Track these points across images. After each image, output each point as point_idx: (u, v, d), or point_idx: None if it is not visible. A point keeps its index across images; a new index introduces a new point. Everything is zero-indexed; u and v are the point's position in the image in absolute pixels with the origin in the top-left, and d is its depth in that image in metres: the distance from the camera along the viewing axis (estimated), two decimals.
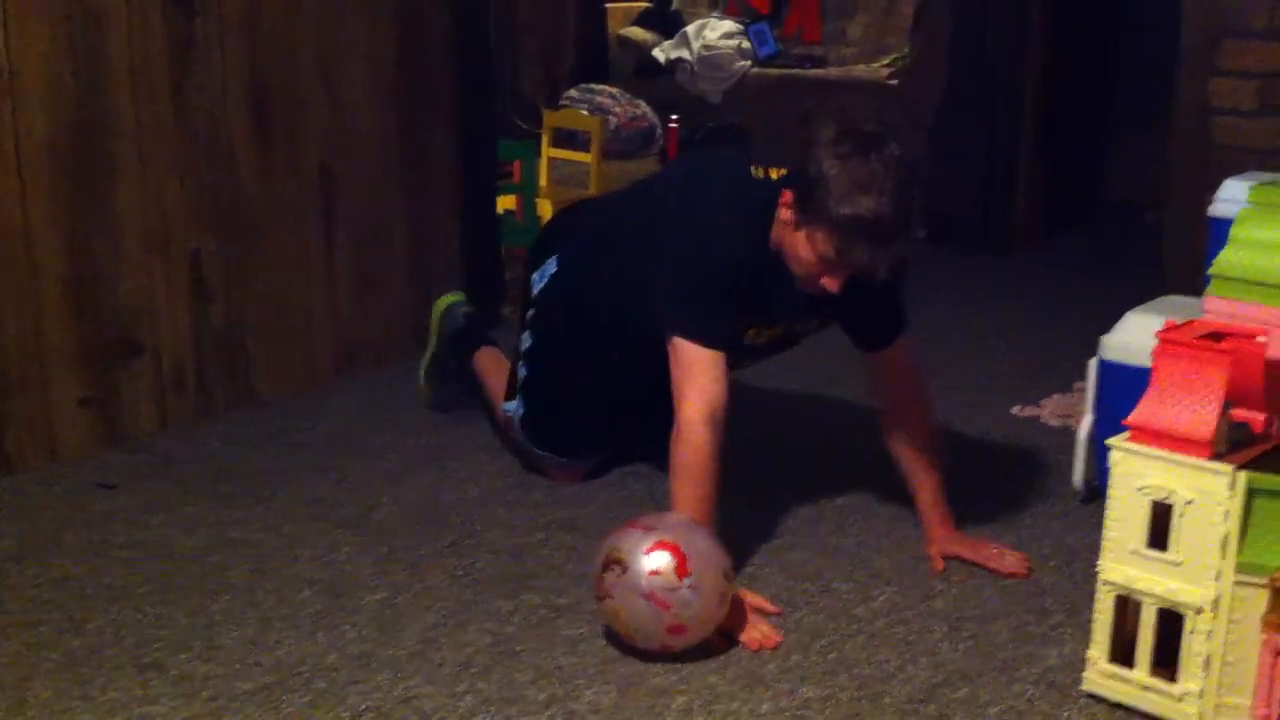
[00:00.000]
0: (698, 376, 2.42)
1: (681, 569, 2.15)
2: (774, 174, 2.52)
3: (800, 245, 2.34)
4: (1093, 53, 5.78)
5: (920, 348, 2.65)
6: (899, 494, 2.79)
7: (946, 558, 2.57)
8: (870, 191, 2.21)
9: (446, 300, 3.41)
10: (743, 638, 2.26)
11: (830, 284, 2.36)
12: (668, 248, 2.52)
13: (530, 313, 2.96)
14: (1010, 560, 2.54)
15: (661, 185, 2.75)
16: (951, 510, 2.64)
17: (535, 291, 2.94)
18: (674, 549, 2.16)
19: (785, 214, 2.36)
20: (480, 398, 3.22)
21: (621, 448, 3.02)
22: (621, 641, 2.23)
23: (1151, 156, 5.25)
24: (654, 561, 2.15)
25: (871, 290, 2.40)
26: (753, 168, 2.54)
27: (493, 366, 3.19)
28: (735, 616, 2.27)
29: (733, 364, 2.69)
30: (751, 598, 2.36)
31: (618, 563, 2.17)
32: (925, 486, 2.64)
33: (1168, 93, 4.03)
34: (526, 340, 2.96)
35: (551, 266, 2.90)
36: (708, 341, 2.43)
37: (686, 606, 2.15)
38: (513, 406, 2.97)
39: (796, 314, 2.61)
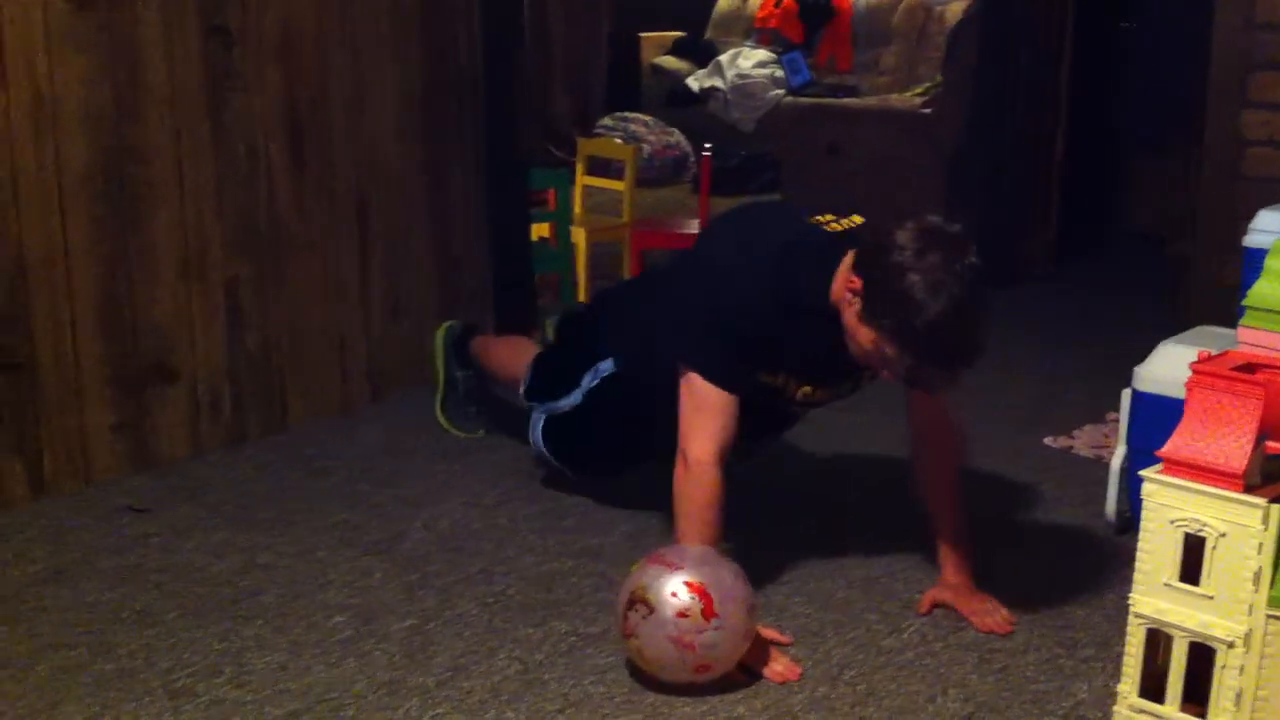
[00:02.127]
0: (711, 416, 2.39)
1: (708, 611, 2.13)
2: (837, 222, 2.47)
3: (862, 335, 2.28)
4: (1112, 82, 5.78)
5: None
6: (927, 525, 2.79)
7: (936, 604, 2.51)
8: (949, 322, 2.15)
9: (439, 334, 3.48)
10: (765, 672, 2.25)
11: (888, 376, 2.33)
12: (701, 281, 2.49)
13: (574, 399, 2.91)
14: (992, 619, 2.44)
15: (708, 239, 2.67)
16: (969, 554, 2.55)
17: (584, 387, 2.87)
18: (701, 591, 2.14)
19: (851, 298, 2.28)
20: (489, 379, 3.34)
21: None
22: (646, 676, 2.23)
23: (1169, 184, 5.24)
24: (680, 603, 2.13)
25: None
26: (815, 219, 2.49)
27: (491, 343, 3.33)
28: (756, 650, 2.25)
29: (777, 425, 2.70)
30: (763, 630, 2.33)
31: (643, 602, 2.15)
32: (946, 528, 2.56)
33: (1185, 121, 4.02)
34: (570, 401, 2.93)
35: (607, 368, 2.84)
36: (725, 383, 2.40)
37: (712, 648, 2.14)
38: (536, 413, 2.99)
39: (844, 372, 2.55)
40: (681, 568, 2.17)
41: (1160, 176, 5.67)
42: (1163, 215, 5.64)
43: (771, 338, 2.43)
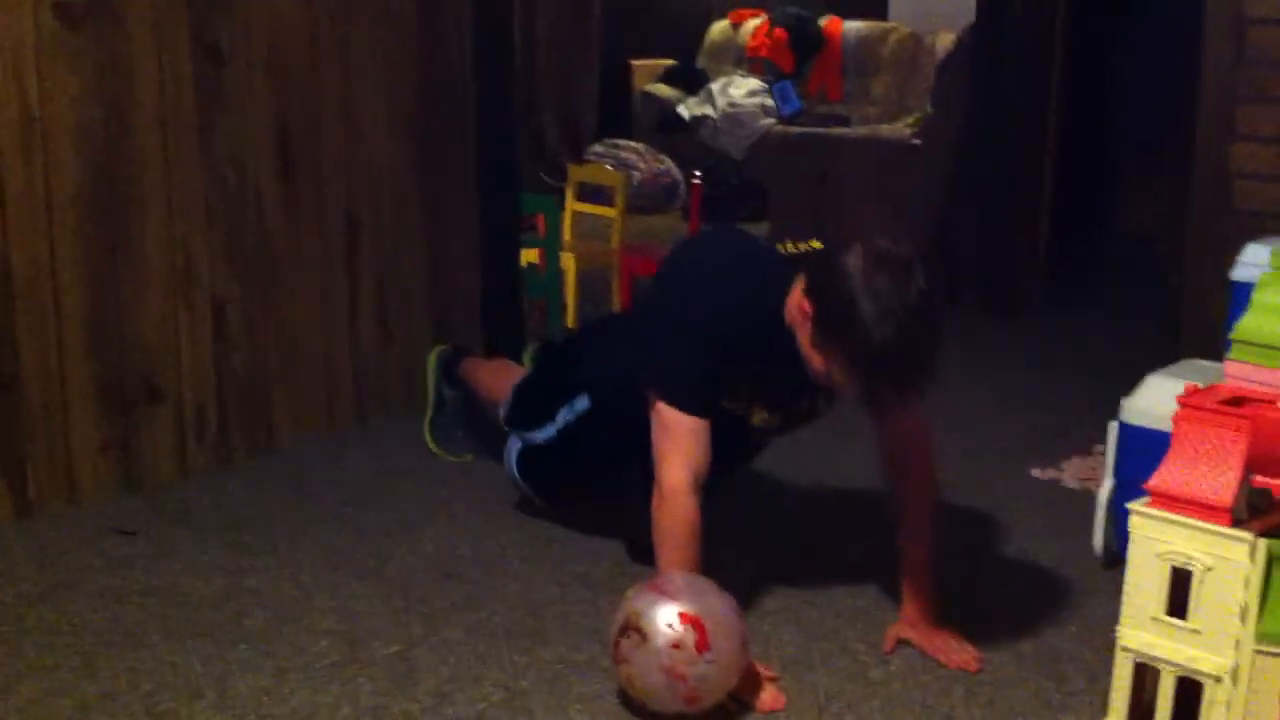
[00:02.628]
0: (682, 442, 2.39)
1: (702, 643, 2.11)
2: (795, 247, 2.48)
3: (815, 359, 2.29)
4: (1102, 113, 5.81)
5: (933, 413, 2.62)
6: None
7: (900, 641, 2.47)
8: (897, 346, 2.15)
9: (431, 356, 3.50)
10: (752, 702, 2.24)
11: (844, 392, 2.36)
12: (661, 311, 2.52)
13: (549, 433, 2.91)
14: (959, 656, 2.41)
15: (666, 269, 2.66)
16: (930, 586, 2.51)
17: (559, 423, 2.88)
18: (695, 622, 2.12)
19: (802, 321, 2.29)
20: (475, 400, 3.33)
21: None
22: (634, 703, 2.22)
23: (1159, 187, 5.27)
24: (674, 634, 2.11)
25: None
26: (779, 245, 2.49)
27: (479, 365, 3.35)
28: (745, 681, 2.24)
29: (743, 455, 2.69)
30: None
31: (637, 630, 2.13)
32: (910, 557, 2.53)
33: (1176, 124, 4.04)
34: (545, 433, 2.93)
35: (583, 404, 2.84)
36: (692, 409, 2.39)
37: (704, 681, 2.13)
38: (513, 440, 3.00)
39: (805, 396, 2.57)
40: (677, 598, 2.16)
41: (1151, 177, 5.69)
42: (1152, 215, 5.67)
43: (731, 360, 2.44)
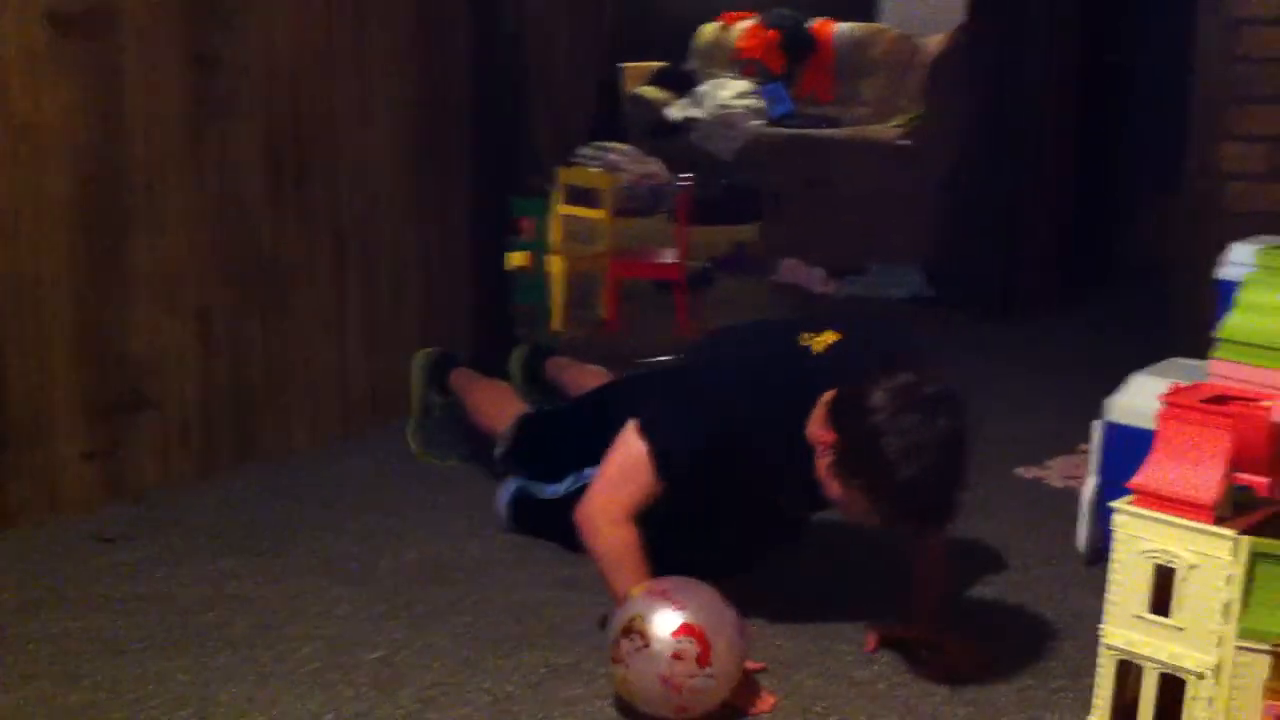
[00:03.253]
0: (636, 489, 2.33)
1: (703, 658, 2.09)
2: (823, 339, 2.40)
3: (834, 486, 2.24)
4: (1106, 117, 5.79)
5: None
6: (900, 553, 2.78)
7: (882, 642, 2.46)
8: (922, 487, 2.13)
9: (416, 359, 3.48)
10: (740, 703, 2.23)
11: (864, 521, 2.28)
12: (686, 383, 2.46)
13: (553, 492, 2.85)
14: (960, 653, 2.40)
15: (699, 353, 2.61)
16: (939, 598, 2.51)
17: (565, 486, 2.79)
18: (700, 637, 2.09)
19: (824, 450, 2.24)
20: (466, 418, 3.29)
21: None
22: (622, 701, 2.22)
23: (1166, 220, 5.25)
24: (677, 645, 2.08)
25: None
26: (801, 336, 2.42)
27: (475, 385, 3.30)
28: (736, 686, 2.22)
29: (789, 533, 2.65)
30: None
31: (640, 634, 2.10)
32: (928, 597, 2.50)
33: (1179, 157, 4.04)
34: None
35: (590, 475, 2.51)
36: (664, 472, 2.33)
37: (699, 694, 2.11)
38: (510, 482, 2.98)
39: (811, 505, 2.48)
40: (684, 607, 2.12)
41: (1159, 211, 5.67)
42: (1161, 252, 5.66)
43: (745, 452, 2.37)
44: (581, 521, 2.38)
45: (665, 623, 2.10)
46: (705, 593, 2.19)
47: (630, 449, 2.36)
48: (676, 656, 2.08)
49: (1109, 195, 5.96)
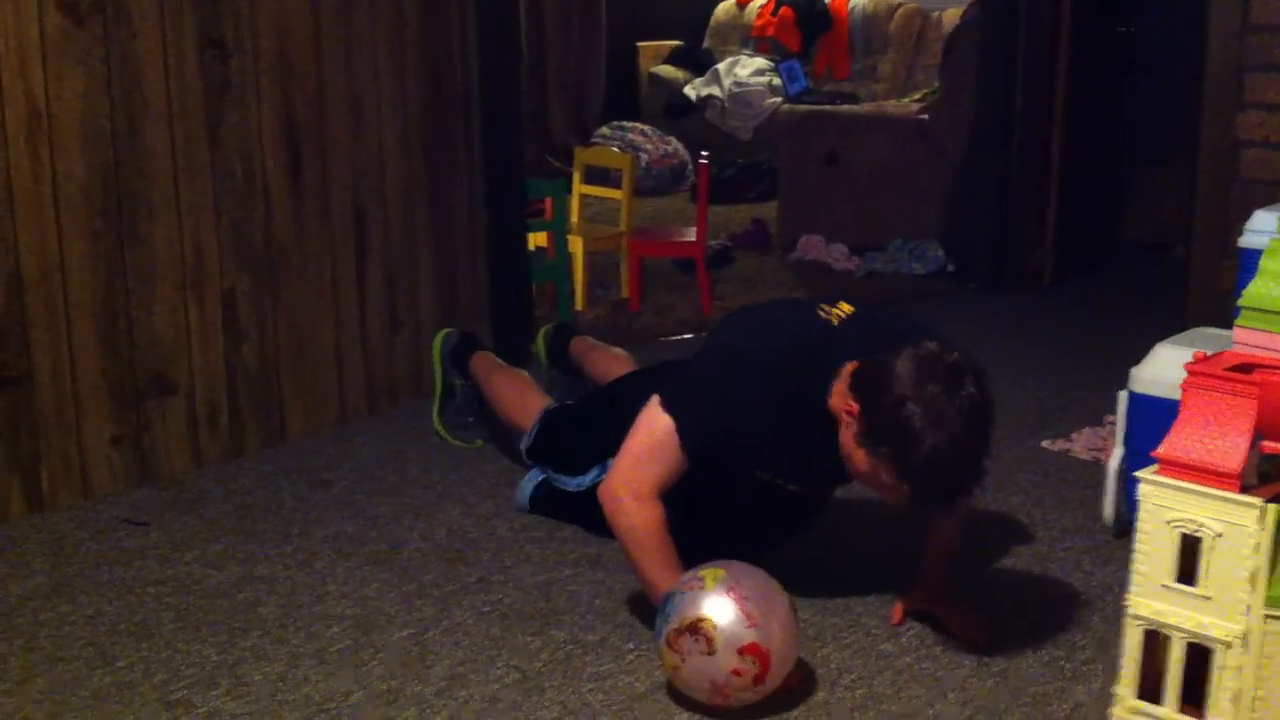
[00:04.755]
0: (660, 465, 2.32)
1: (761, 678, 2.09)
2: (839, 311, 2.39)
3: (858, 458, 2.22)
4: (1113, 91, 5.76)
5: None
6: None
7: (909, 613, 2.47)
8: (947, 456, 2.11)
9: (436, 340, 3.48)
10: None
11: (888, 496, 2.26)
12: (712, 364, 2.43)
13: (576, 484, 2.84)
14: (973, 627, 2.40)
15: (722, 332, 2.56)
16: (949, 568, 2.52)
17: (589, 479, 2.77)
18: (764, 659, 2.08)
19: (847, 420, 2.23)
20: (488, 407, 3.30)
21: None
22: (648, 674, 2.23)
23: (1173, 194, 5.23)
24: (740, 663, 2.07)
25: None
26: (819, 309, 2.40)
27: (495, 374, 3.28)
28: None
29: (804, 516, 2.62)
30: None
31: (707, 639, 2.07)
32: (936, 565, 2.51)
33: (1184, 130, 4.02)
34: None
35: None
36: (691, 446, 2.32)
37: (744, 701, 2.12)
38: (534, 473, 2.99)
39: (830, 479, 2.49)
40: (758, 625, 2.08)
41: (1164, 185, 5.65)
42: (1165, 222, 5.63)
43: (767, 434, 2.35)
44: (606, 499, 2.38)
45: (735, 637, 2.07)
46: (780, 606, 2.14)
47: (656, 425, 2.35)
48: (736, 673, 2.07)
49: (1113, 167, 5.93)
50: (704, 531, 2.42)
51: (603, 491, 2.39)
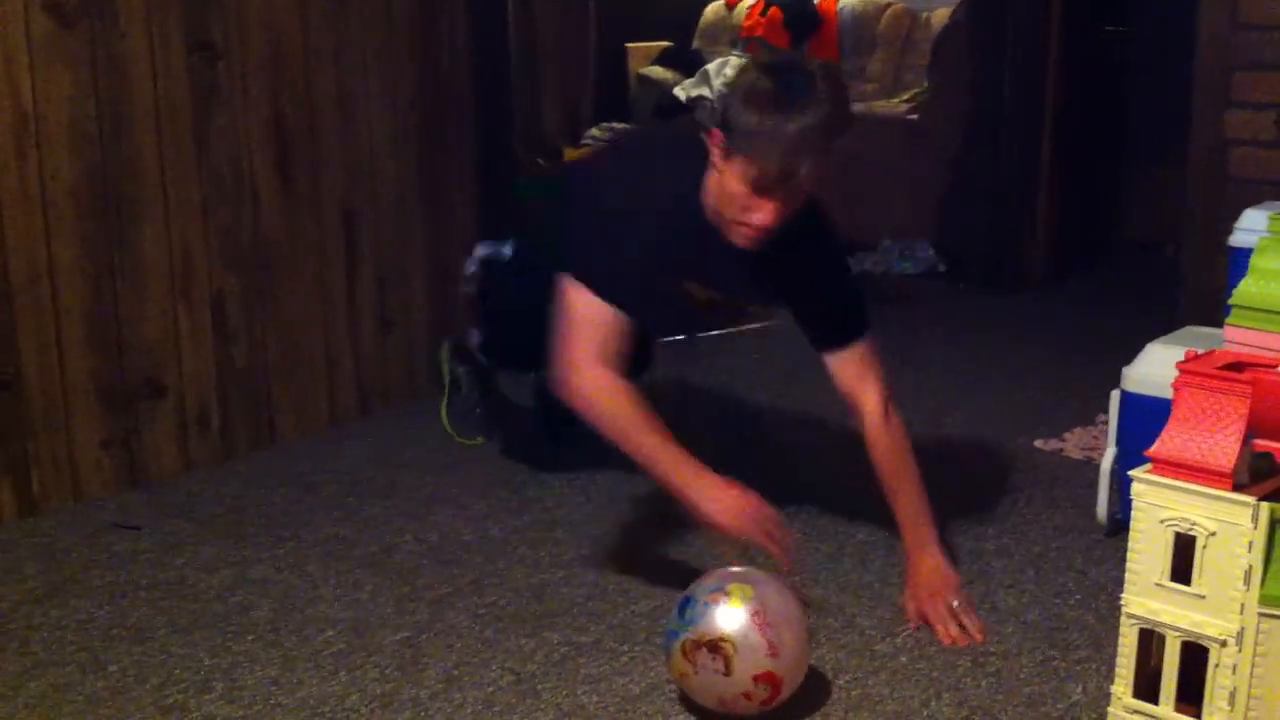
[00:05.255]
0: (593, 331, 2.34)
1: (769, 702, 2.07)
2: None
3: (730, 180, 2.33)
4: (1106, 91, 5.77)
5: (936, 388, 2.61)
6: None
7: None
8: (789, 97, 2.24)
9: (442, 349, 3.53)
10: None
11: (763, 217, 2.33)
12: (585, 203, 2.53)
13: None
14: (954, 631, 2.39)
15: (592, 161, 2.73)
16: (933, 526, 2.55)
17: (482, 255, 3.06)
18: (778, 686, 2.06)
19: (715, 154, 2.36)
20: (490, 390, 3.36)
21: None
22: (643, 675, 2.22)
23: (1167, 193, 5.24)
24: (753, 689, 2.05)
25: (825, 279, 2.46)
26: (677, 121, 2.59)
27: None
28: None
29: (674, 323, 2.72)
30: None
31: (725, 661, 2.04)
32: (902, 500, 2.54)
33: (1180, 129, 4.03)
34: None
35: (507, 250, 3.00)
36: (608, 294, 2.35)
37: (747, 717, 2.11)
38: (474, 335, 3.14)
39: (740, 283, 2.58)
40: (778, 655, 2.05)
41: (1163, 185, 5.65)
42: (1161, 222, 5.64)
43: (661, 246, 2.43)
44: (563, 391, 2.36)
45: (753, 664, 2.04)
46: (800, 632, 2.11)
47: (575, 301, 2.37)
48: (747, 695, 2.05)
49: (1109, 167, 5.94)
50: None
51: (560, 387, 2.39)
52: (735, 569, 2.19)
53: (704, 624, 2.06)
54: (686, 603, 2.11)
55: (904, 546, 2.57)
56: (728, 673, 2.04)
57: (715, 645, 2.05)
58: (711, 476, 2.34)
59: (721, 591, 2.09)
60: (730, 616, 2.06)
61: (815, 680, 2.25)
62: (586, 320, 2.36)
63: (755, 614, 2.06)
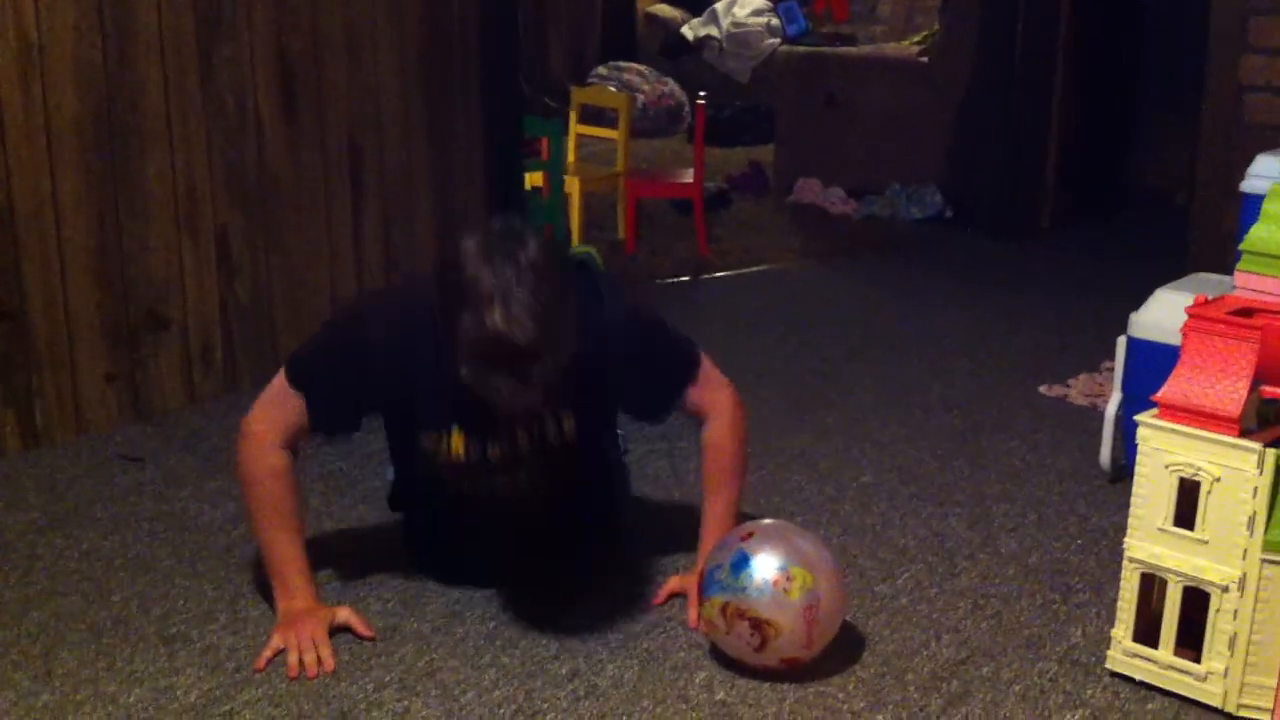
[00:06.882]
0: (279, 406, 2.24)
1: (784, 675, 2.09)
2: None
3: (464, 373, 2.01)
4: (1119, 38, 5.71)
5: (943, 333, 2.57)
6: (922, 472, 2.80)
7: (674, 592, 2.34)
8: (495, 313, 1.92)
9: None
10: None
11: (486, 394, 2.01)
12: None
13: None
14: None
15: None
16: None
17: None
18: (798, 668, 2.08)
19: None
20: None
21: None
22: (648, 617, 2.24)
23: (1178, 142, 5.20)
24: (778, 665, 2.07)
25: (629, 369, 2.23)
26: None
27: None
28: None
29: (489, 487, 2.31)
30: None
31: (763, 639, 2.04)
32: (714, 505, 2.36)
33: (1192, 78, 3.99)
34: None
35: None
36: (296, 380, 2.23)
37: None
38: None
39: (527, 417, 2.22)
40: (812, 645, 2.07)
41: (1170, 131, 5.61)
42: (1171, 171, 5.60)
43: (389, 366, 2.20)
44: (237, 450, 2.28)
45: (788, 650, 2.05)
46: (837, 627, 2.12)
47: (277, 381, 2.27)
48: (767, 667, 2.08)
49: (1120, 114, 5.88)
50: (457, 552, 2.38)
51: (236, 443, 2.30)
52: (800, 540, 2.13)
53: (756, 600, 2.04)
54: (743, 561, 2.07)
55: (699, 545, 2.34)
56: (760, 649, 2.05)
57: (759, 624, 2.04)
58: (300, 589, 2.22)
59: (785, 575, 2.05)
60: (784, 606, 2.04)
61: None
62: (278, 397, 2.26)
63: (808, 609, 2.05)
